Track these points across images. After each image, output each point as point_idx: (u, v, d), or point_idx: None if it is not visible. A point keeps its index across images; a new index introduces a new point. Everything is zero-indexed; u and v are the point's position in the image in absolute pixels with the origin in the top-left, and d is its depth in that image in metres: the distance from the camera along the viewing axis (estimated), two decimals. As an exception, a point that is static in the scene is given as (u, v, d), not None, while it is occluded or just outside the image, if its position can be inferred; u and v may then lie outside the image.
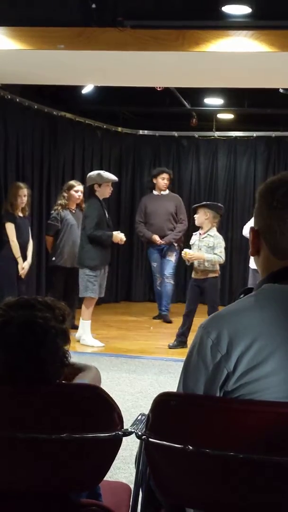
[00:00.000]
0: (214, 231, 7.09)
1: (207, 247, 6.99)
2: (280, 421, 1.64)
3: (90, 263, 7.23)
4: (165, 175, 9.02)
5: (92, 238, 7.23)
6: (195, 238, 7.19)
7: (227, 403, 1.70)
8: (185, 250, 7.12)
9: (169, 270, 8.94)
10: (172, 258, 8.90)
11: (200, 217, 7.09)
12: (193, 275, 7.20)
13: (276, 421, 1.64)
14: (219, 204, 7.49)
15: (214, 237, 7.04)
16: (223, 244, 7.05)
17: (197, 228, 7.27)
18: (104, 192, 7.40)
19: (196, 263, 7.03)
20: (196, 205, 7.40)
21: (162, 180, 8.97)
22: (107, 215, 7.46)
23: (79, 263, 7.36)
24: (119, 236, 7.33)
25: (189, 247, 7.27)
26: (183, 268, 9.41)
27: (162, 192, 9.04)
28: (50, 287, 8.34)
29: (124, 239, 7.44)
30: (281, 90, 7.72)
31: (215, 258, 6.93)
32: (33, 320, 1.96)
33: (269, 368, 1.66)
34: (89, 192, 7.51)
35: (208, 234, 7.06)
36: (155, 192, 9.05)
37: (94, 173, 7.50)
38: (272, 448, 1.64)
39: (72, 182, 7.99)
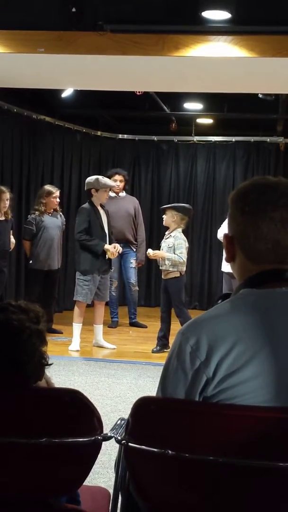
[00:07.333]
0: (176, 233, 7.22)
1: (168, 247, 7.18)
2: (259, 426, 1.65)
3: (80, 267, 7.28)
4: (117, 177, 8.55)
5: (79, 243, 7.27)
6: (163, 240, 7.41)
7: (207, 407, 1.71)
8: (149, 250, 7.33)
9: (133, 277, 8.84)
10: (133, 264, 8.75)
11: (168, 218, 7.25)
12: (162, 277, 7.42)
13: (255, 425, 1.65)
14: (187, 205, 7.55)
15: (175, 238, 7.19)
16: (184, 245, 7.19)
17: (165, 229, 7.43)
18: (101, 197, 7.34)
19: (159, 263, 7.24)
20: (163, 206, 7.60)
21: (114, 182, 8.22)
22: (104, 223, 7.35)
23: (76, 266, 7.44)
24: (110, 250, 7.21)
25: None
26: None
27: (120, 194, 8.72)
28: (28, 290, 8.32)
29: (115, 254, 7.32)
30: (260, 95, 7.76)
31: (174, 257, 7.08)
32: (7, 322, 1.98)
33: (248, 374, 1.66)
34: (87, 196, 7.46)
35: (170, 235, 7.23)
36: (112, 194, 8.14)
37: (92, 178, 7.41)
38: (252, 453, 1.64)
39: (50, 188, 7.91)
